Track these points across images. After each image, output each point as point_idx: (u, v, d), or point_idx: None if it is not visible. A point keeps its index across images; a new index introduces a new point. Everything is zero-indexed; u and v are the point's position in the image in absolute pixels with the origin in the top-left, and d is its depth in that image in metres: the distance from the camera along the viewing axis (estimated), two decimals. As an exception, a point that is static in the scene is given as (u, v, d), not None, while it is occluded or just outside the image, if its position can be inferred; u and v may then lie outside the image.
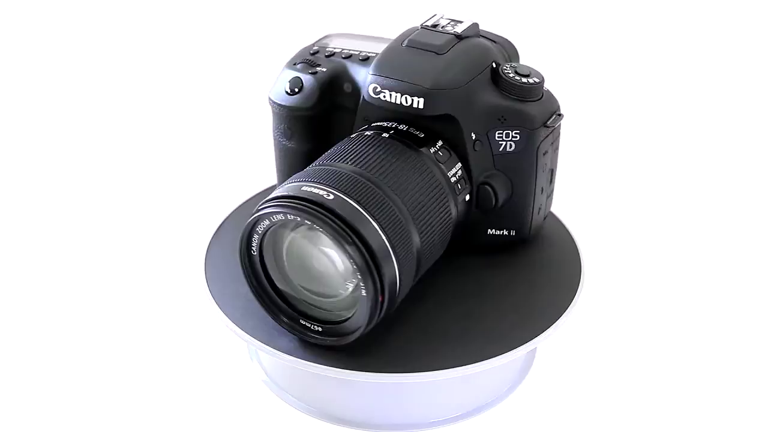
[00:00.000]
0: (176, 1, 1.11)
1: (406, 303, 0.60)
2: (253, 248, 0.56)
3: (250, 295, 0.60)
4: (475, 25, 0.62)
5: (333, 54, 0.64)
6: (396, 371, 0.56)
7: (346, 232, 0.52)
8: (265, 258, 0.57)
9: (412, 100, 0.59)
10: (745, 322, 0.70)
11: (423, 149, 0.59)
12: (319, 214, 0.52)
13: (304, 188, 0.53)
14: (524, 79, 0.59)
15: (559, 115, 0.60)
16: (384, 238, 0.53)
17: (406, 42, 0.60)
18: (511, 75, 0.60)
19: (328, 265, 0.56)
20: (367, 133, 0.60)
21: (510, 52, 0.64)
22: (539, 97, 0.60)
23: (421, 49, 0.60)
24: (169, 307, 0.70)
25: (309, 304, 0.57)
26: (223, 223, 0.68)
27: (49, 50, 1.05)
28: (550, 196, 0.64)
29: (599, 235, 0.74)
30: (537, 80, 0.59)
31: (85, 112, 0.96)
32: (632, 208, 0.82)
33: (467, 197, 0.61)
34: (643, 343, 0.67)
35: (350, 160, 0.56)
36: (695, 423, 0.62)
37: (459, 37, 0.60)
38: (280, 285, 0.57)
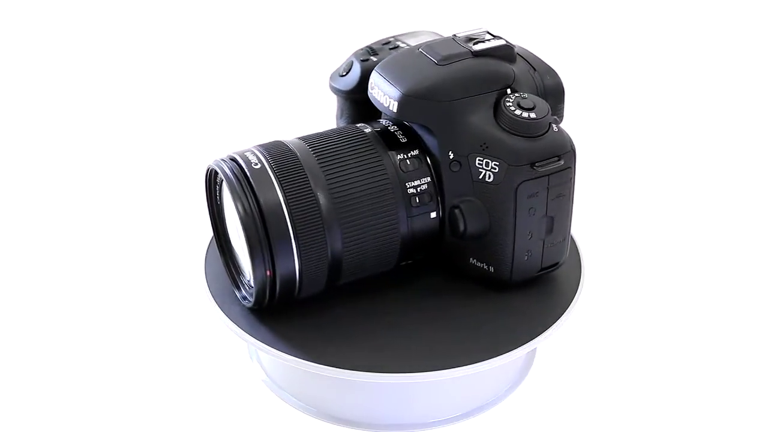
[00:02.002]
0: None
1: (406, 303, 0.60)
2: (216, 197, 0.60)
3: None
4: (505, 47, 0.59)
5: (396, 47, 0.63)
6: (396, 371, 0.56)
7: (243, 187, 0.55)
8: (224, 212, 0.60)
9: (389, 102, 0.58)
10: (744, 321, 0.70)
11: (391, 153, 0.58)
12: (230, 169, 0.56)
13: (246, 151, 0.57)
14: (521, 112, 0.56)
15: (560, 160, 0.57)
16: (286, 212, 0.55)
17: (422, 47, 0.59)
18: (509, 104, 0.57)
19: (233, 222, 0.59)
20: (358, 124, 0.60)
21: (549, 83, 0.60)
22: (538, 134, 0.56)
23: (426, 56, 0.59)
24: (170, 307, 0.70)
25: (238, 262, 0.61)
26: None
27: (51, 51, 1.05)
28: (553, 246, 0.60)
29: (599, 235, 0.74)
30: (535, 117, 0.56)
31: (87, 113, 0.96)
32: (632, 208, 0.82)
33: (434, 214, 0.59)
34: (643, 343, 0.67)
35: (312, 143, 0.58)
36: (695, 423, 0.62)
37: (474, 54, 0.58)
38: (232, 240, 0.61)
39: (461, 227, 0.58)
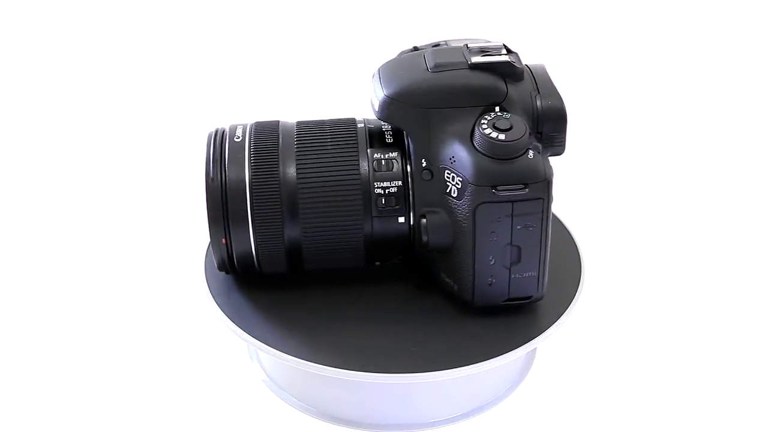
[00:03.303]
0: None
1: (405, 303, 0.60)
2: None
3: (250, 295, 0.61)
4: (505, 64, 0.57)
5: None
6: (396, 371, 0.56)
7: (215, 157, 0.58)
8: None
9: (375, 101, 0.58)
10: (744, 321, 0.70)
11: (371, 150, 0.58)
12: (214, 137, 0.59)
13: (239, 125, 0.60)
14: (492, 132, 0.54)
15: (526, 188, 0.54)
16: (248, 190, 0.57)
17: (427, 52, 0.59)
18: (483, 122, 0.55)
19: None
20: (359, 118, 0.60)
21: (547, 108, 0.57)
22: (507, 157, 0.54)
23: (423, 61, 0.58)
24: (170, 307, 0.70)
25: None
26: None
27: (54, 52, 1.05)
28: (522, 278, 0.58)
29: (599, 235, 0.74)
30: (505, 139, 0.54)
31: (88, 113, 0.96)
32: (632, 208, 0.82)
33: (402, 219, 0.58)
34: (643, 342, 0.67)
35: (302, 129, 0.59)
36: (695, 422, 0.62)
37: (470, 66, 0.57)
38: None
39: (424, 238, 0.57)
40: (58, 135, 0.93)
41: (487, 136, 0.54)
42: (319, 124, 0.60)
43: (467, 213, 0.55)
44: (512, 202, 0.55)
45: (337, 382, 0.57)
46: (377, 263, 0.61)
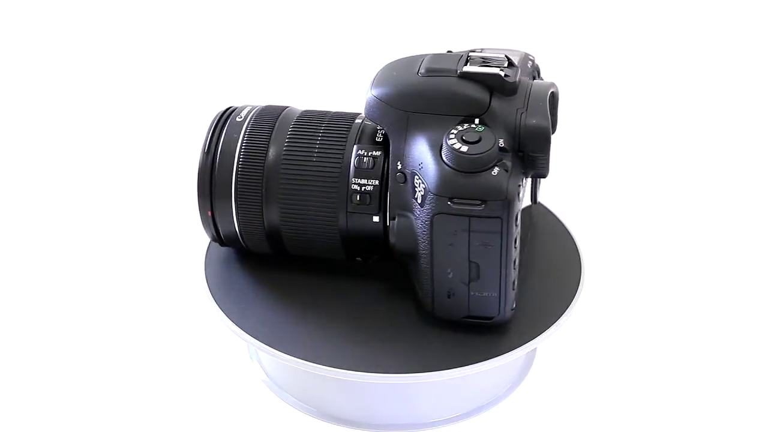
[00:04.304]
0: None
1: (405, 303, 0.60)
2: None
3: (250, 295, 0.61)
4: (494, 76, 0.55)
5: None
6: (396, 371, 0.56)
7: (215, 132, 0.60)
8: None
9: (365, 99, 0.58)
10: (743, 321, 0.70)
11: (357, 146, 0.58)
12: (223, 113, 0.62)
13: (248, 106, 0.62)
14: (456, 143, 0.53)
15: (482, 205, 0.53)
16: (234, 170, 0.59)
17: (426, 57, 0.58)
18: (452, 133, 0.54)
19: None
20: (358, 113, 0.61)
21: (529, 127, 0.54)
22: (469, 170, 0.53)
23: (418, 65, 0.57)
24: (170, 307, 0.70)
25: None
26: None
27: (55, 53, 1.05)
28: (481, 296, 0.56)
29: (599, 235, 0.74)
30: (467, 152, 0.53)
31: (88, 114, 0.96)
32: (632, 208, 0.82)
33: (376, 218, 0.58)
34: (643, 342, 0.67)
35: (302, 118, 0.61)
36: (694, 422, 0.62)
37: (459, 75, 0.55)
38: None
39: (392, 239, 0.57)
40: (58, 135, 0.93)
41: (451, 146, 0.53)
42: (321, 115, 0.61)
43: (426, 221, 0.54)
44: (468, 217, 0.53)
45: (337, 382, 0.57)
46: (358, 259, 0.61)
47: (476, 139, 0.53)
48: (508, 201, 0.53)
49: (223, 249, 0.64)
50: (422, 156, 0.55)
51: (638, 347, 0.67)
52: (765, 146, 0.91)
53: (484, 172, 0.53)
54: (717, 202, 0.83)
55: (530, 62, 0.59)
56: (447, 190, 0.53)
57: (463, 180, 0.53)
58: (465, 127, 0.54)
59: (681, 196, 0.84)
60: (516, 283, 0.57)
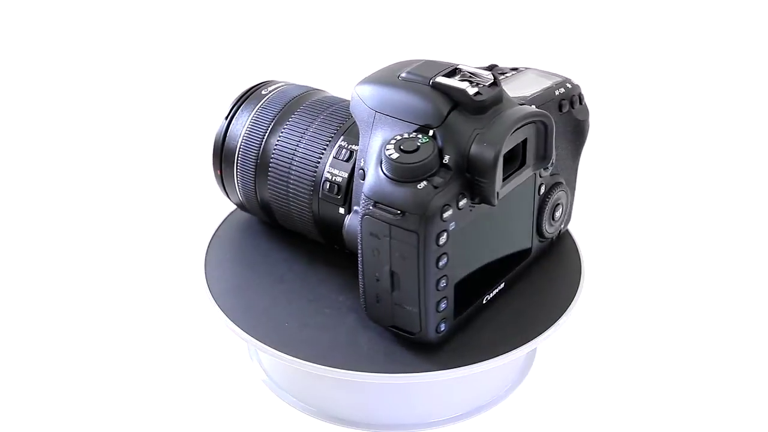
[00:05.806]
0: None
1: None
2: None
3: (250, 295, 0.61)
4: (461, 92, 0.54)
5: (502, 73, 0.61)
6: (395, 372, 0.56)
7: (240, 101, 0.65)
8: None
9: None
10: (743, 321, 0.70)
11: (343, 136, 0.60)
12: (255, 86, 0.66)
13: (284, 82, 0.66)
14: (390, 149, 0.53)
15: (400, 215, 0.52)
16: (240, 141, 0.64)
17: (418, 62, 0.58)
18: (395, 138, 0.54)
19: None
20: None
21: (474, 152, 0.53)
22: (396, 179, 0.52)
23: (403, 69, 0.57)
24: (170, 307, 0.70)
25: None
26: (222, 222, 0.68)
27: (56, 53, 1.05)
28: (402, 308, 0.56)
29: (599, 235, 0.74)
30: (396, 159, 0.52)
31: (88, 114, 0.96)
32: (632, 209, 0.82)
33: (341, 210, 0.59)
34: (643, 342, 0.67)
35: (315, 100, 0.64)
36: (694, 422, 0.62)
37: (431, 85, 0.55)
38: None
39: (343, 232, 0.58)
40: (59, 135, 0.93)
41: (386, 151, 0.53)
42: (330, 104, 0.63)
43: (360, 220, 0.55)
44: (389, 225, 0.53)
45: (336, 382, 0.57)
46: (336, 247, 0.62)
47: (412, 149, 0.53)
48: (426, 217, 0.52)
49: (223, 248, 0.65)
50: (372, 156, 0.56)
51: (638, 347, 0.67)
52: (764, 147, 0.91)
53: (410, 183, 0.52)
54: (717, 202, 0.83)
55: (561, 89, 0.59)
56: (374, 194, 0.53)
57: (389, 187, 0.53)
58: (410, 135, 0.54)
59: (680, 197, 0.84)
60: (445, 307, 0.56)
